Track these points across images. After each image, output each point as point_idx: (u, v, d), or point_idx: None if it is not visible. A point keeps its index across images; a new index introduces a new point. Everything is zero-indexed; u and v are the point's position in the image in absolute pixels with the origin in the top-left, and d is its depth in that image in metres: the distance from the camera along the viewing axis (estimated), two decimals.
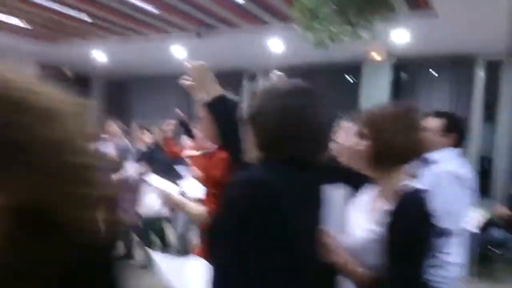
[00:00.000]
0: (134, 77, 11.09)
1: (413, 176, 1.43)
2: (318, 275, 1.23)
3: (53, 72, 9.71)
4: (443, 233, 2.15)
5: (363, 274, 1.34)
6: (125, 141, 6.09)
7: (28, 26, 7.52)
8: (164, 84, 10.50)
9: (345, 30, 3.55)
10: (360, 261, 1.36)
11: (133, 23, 7.11)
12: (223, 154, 1.92)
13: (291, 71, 8.52)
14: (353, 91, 8.52)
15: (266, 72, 9.46)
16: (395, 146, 1.35)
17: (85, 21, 7.12)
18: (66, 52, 8.99)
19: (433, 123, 2.46)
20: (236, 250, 1.01)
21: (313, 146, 1.19)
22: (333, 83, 8.63)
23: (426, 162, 2.35)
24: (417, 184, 1.41)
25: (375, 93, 8.04)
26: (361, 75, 8.33)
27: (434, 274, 2.14)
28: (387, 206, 1.35)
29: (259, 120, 1.18)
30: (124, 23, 7.15)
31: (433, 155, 2.40)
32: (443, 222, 2.12)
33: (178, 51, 8.04)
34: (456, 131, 2.46)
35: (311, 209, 1.23)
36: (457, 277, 2.29)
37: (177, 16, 6.57)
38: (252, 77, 9.55)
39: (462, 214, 2.31)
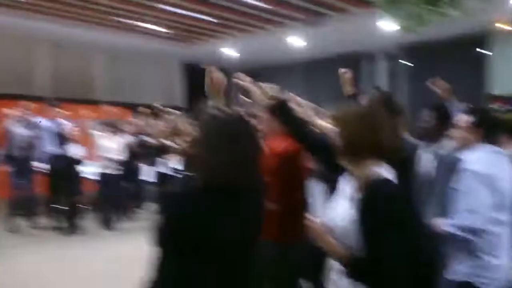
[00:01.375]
0: (262, 66, 11.97)
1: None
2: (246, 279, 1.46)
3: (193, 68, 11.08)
4: (474, 232, 2.13)
5: (345, 254, 1.56)
6: None
7: (167, 30, 8.84)
8: (286, 71, 11.24)
9: (432, 11, 3.62)
10: (342, 243, 1.58)
11: (252, 20, 7.85)
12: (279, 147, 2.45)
13: (411, 49, 8.37)
14: (482, 65, 7.96)
15: (384, 53, 9.42)
16: (354, 143, 1.60)
17: (214, 23, 8.11)
18: (203, 51, 10.21)
19: (462, 120, 2.40)
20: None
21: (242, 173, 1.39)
22: (459, 58, 8.18)
23: (461, 161, 2.29)
24: (385, 174, 1.59)
25: (509, 65, 7.42)
26: (491, 48, 7.74)
27: (479, 275, 2.15)
28: (359, 194, 1.58)
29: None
30: (244, 21, 7.94)
31: (466, 154, 2.34)
32: (469, 221, 2.13)
33: (295, 41, 8.57)
34: (484, 127, 2.33)
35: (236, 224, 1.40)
36: (504, 279, 2.18)
37: (289, 8, 7.09)
38: (370, 58, 9.60)
39: (493, 214, 2.15)
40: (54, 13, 7.63)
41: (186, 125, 6.99)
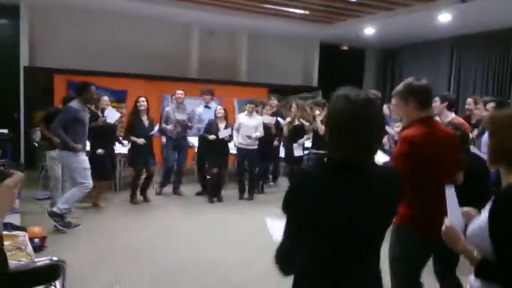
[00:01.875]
0: (403, 44, 11.48)
1: None
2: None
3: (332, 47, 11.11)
4: None
5: (478, 258, 1.57)
6: None
7: (306, 12, 8.99)
8: (432, 48, 10.70)
9: None
10: (476, 245, 1.58)
11: None
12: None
13: None
14: None
15: None
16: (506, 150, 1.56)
17: (352, 2, 8.01)
18: (341, 31, 10.15)
19: None
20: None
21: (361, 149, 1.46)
22: None
23: None
24: None
25: None
26: None
27: None
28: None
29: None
30: None
31: None
32: None
33: (444, 17, 8.03)
34: None
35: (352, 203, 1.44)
36: None
37: None
38: None
39: None
40: (205, 1, 8.38)
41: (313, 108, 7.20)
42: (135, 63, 9.40)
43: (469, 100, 5.89)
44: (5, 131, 7.93)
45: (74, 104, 4.98)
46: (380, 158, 2.95)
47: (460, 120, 4.63)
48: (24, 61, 8.68)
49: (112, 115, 6.01)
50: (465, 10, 7.40)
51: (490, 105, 3.71)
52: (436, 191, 2.34)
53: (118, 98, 8.94)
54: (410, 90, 2.51)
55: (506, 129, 1.58)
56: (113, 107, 8.79)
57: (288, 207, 1.47)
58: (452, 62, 10.45)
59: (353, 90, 1.55)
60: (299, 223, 1.45)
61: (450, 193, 1.78)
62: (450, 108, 4.71)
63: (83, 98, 5.01)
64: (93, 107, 5.72)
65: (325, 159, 1.54)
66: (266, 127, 7.10)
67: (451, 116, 4.64)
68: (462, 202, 1.79)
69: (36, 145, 7.31)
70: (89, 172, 5.05)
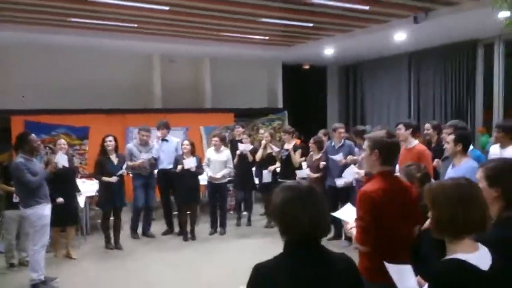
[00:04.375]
0: (363, 60, 11.79)
1: None
2: None
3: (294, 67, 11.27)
4: None
5: None
6: None
7: (266, 38, 9.07)
8: (390, 63, 11.10)
9: None
10: None
11: (352, 21, 7.72)
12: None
13: None
14: None
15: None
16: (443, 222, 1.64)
17: (309, 27, 8.14)
18: (301, 52, 10.30)
19: None
20: None
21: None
22: None
23: None
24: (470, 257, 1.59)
25: None
26: None
27: None
28: None
29: None
30: (344, 22, 7.83)
31: None
32: None
33: (400, 36, 8.29)
34: None
35: None
36: None
37: (392, 7, 6.84)
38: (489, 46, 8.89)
39: None
40: (165, 33, 8.32)
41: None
42: (96, 99, 9.18)
43: (427, 125, 6.08)
44: None
45: (19, 159, 4.68)
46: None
47: (421, 147, 4.75)
48: None
49: (62, 160, 5.71)
50: (419, 28, 7.64)
51: (450, 137, 3.79)
52: (396, 244, 2.44)
53: (80, 135, 8.69)
54: (378, 145, 2.52)
55: (442, 201, 1.64)
56: (75, 144, 8.62)
57: None
58: (410, 76, 10.77)
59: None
60: None
61: (392, 270, 1.84)
62: (413, 134, 4.84)
63: (26, 150, 4.76)
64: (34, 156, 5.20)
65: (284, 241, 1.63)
66: (242, 155, 7.07)
67: (415, 142, 4.77)
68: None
69: None
70: (47, 228, 4.84)
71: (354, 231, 2.55)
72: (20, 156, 4.69)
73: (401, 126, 4.82)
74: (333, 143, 6.33)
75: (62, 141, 5.93)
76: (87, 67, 9.36)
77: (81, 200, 6.45)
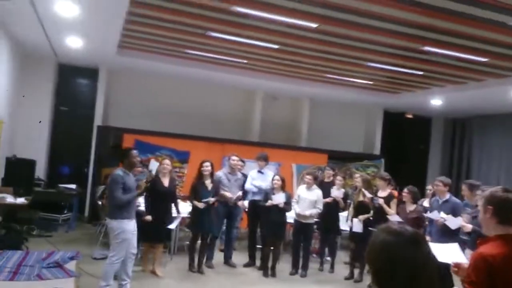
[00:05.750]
0: (473, 115, 11.03)
1: None
2: None
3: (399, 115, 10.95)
4: None
5: None
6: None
7: (370, 82, 8.93)
8: (504, 121, 10.30)
9: None
10: None
11: (467, 73, 7.31)
12: None
13: None
14: None
15: None
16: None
17: (418, 75, 7.85)
18: (406, 100, 9.94)
19: None
20: None
21: None
22: None
23: None
24: None
25: None
26: None
27: None
28: None
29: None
30: (457, 73, 7.44)
31: None
32: None
33: None
34: None
35: None
36: None
37: (508, 60, 6.36)
38: None
39: None
40: (271, 71, 8.62)
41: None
42: (199, 125, 9.73)
43: None
44: (73, 186, 8.37)
45: (118, 172, 4.97)
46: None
47: None
48: (98, 119, 9.28)
49: (153, 166, 6.07)
50: None
51: None
52: None
53: (181, 158, 9.20)
54: (492, 200, 2.27)
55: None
56: (176, 167, 9.13)
57: None
58: None
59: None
60: None
61: None
62: None
63: (126, 164, 5.08)
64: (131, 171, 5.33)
65: None
66: (334, 201, 6.98)
67: None
68: None
69: (99, 203, 7.58)
70: (127, 244, 5.00)
71: None
72: (120, 169, 5.03)
73: None
74: (437, 198, 5.85)
75: (167, 162, 6.27)
76: (195, 96, 10.02)
77: (176, 221, 6.73)
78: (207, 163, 6.40)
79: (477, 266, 2.17)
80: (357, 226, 6.78)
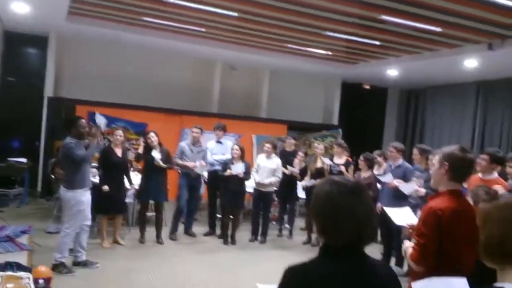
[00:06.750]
0: (427, 86, 11.36)
1: None
2: None
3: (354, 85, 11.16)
4: None
5: None
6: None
7: (328, 53, 8.97)
8: (456, 91, 10.64)
9: None
10: None
11: (422, 42, 7.46)
12: None
13: None
14: None
15: None
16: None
17: (375, 45, 7.95)
18: (363, 71, 10.09)
19: None
20: None
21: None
22: None
23: None
24: None
25: None
26: None
27: None
28: None
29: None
30: (413, 43, 7.59)
31: None
32: None
33: (470, 63, 7.90)
34: None
35: None
36: None
37: (466, 31, 6.53)
38: None
39: None
40: (230, 40, 8.45)
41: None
42: (156, 97, 9.48)
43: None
44: (24, 160, 8.01)
45: (69, 140, 4.79)
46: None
47: (502, 182, 4.24)
48: (49, 91, 8.85)
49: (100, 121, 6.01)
50: (493, 56, 7.25)
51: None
52: (454, 271, 2.18)
53: (138, 130, 8.98)
54: (449, 158, 2.35)
55: (494, 220, 1.40)
56: (131, 139, 8.91)
57: None
58: (477, 107, 10.22)
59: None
60: None
61: None
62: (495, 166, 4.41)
63: (73, 133, 4.85)
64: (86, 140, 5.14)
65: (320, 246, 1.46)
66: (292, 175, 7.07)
67: (495, 175, 4.32)
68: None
69: (53, 176, 7.31)
70: (82, 215, 4.88)
71: (410, 250, 2.38)
72: (69, 138, 4.81)
73: (485, 156, 4.32)
74: (390, 164, 6.02)
75: (120, 133, 6.13)
76: (152, 65, 9.70)
77: (130, 193, 6.62)
78: (152, 133, 6.34)
79: (428, 219, 2.27)
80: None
